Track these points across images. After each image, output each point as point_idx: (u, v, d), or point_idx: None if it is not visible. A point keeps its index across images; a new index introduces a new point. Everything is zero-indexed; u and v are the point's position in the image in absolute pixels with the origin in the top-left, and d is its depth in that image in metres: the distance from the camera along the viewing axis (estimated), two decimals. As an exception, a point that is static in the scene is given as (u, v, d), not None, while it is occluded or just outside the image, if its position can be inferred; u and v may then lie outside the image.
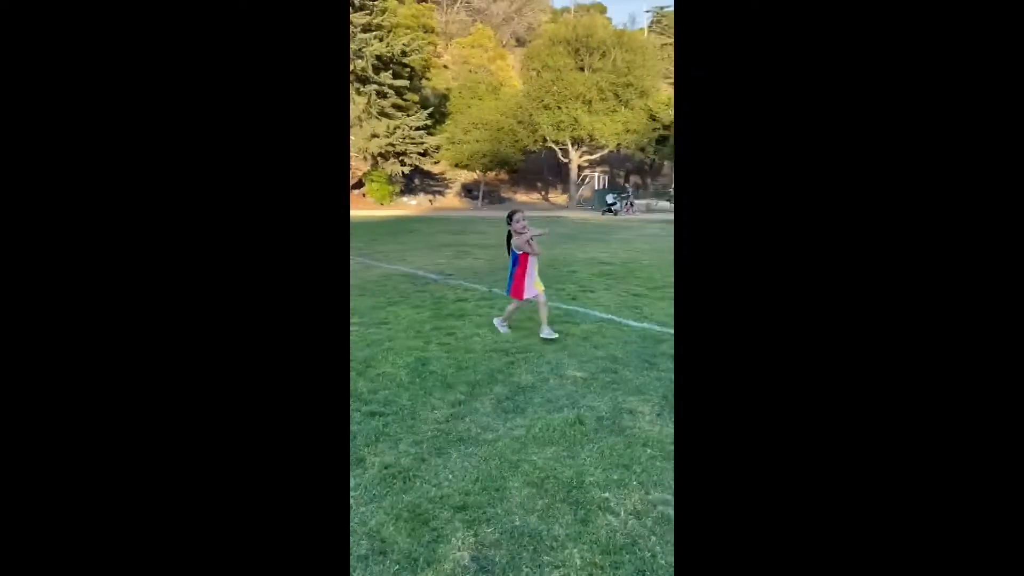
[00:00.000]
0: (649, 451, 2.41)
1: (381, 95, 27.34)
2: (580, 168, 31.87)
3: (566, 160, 30.94)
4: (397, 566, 1.68)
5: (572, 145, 29.66)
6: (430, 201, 30.64)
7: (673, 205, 27.46)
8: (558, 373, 3.42)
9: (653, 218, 21.45)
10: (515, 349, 3.92)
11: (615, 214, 23.64)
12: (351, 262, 8.60)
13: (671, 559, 1.72)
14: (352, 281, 6.85)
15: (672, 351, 3.78)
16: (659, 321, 4.69)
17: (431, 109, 29.18)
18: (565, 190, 33.11)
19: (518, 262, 4.16)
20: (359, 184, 29.49)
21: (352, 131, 27.62)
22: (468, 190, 32.80)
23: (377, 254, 9.55)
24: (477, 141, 28.87)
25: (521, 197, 34.84)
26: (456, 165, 30.79)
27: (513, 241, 4.17)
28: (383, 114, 27.69)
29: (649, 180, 36.50)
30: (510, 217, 4.20)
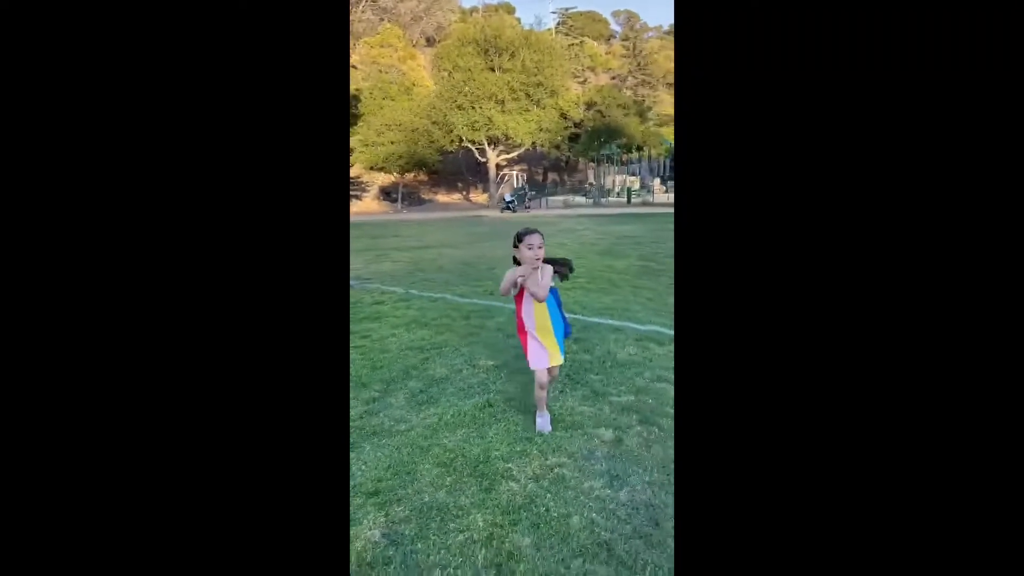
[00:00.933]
0: (554, 420, 2.64)
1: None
2: (498, 167, 32.33)
3: (484, 159, 31.26)
4: (309, 553, 1.77)
5: (488, 144, 30.02)
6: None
7: (588, 200, 28.68)
8: (471, 364, 3.59)
9: (569, 213, 22.28)
10: (430, 346, 4.04)
11: (513, 211, 24.68)
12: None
13: (563, 511, 1.95)
14: (263, 292, 6.61)
15: (581, 336, 4.08)
16: (570, 310, 5.00)
17: (341, 111, 28.21)
18: (486, 189, 33.42)
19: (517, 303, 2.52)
20: (268, 191, 27.93)
21: (256, 135, 26.08)
22: (387, 193, 32.18)
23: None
24: (392, 143, 28.40)
25: (442, 197, 34.74)
26: (372, 168, 30.09)
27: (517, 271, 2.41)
28: (289, 117, 26.39)
29: (566, 176, 37.74)
30: (519, 237, 2.43)
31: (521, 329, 2.54)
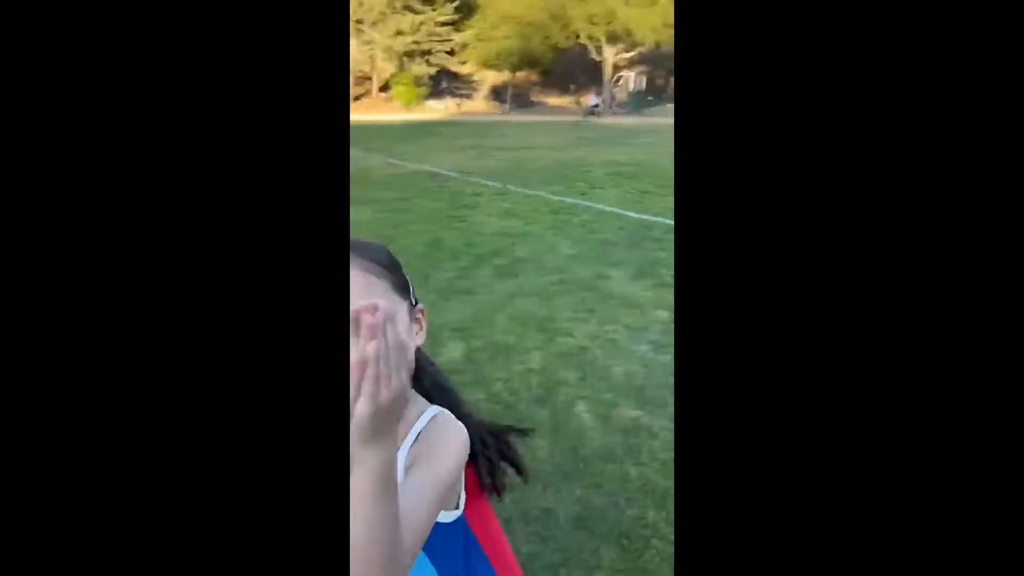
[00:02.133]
0: (613, 300, 2.97)
1: (405, -14, 25.83)
2: (616, 67, 30.06)
3: (600, 59, 29.18)
4: (408, 359, 2.36)
5: (607, 42, 27.80)
6: (457, 105, 29.88)
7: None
8: (552, 251, 3.95)
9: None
10: (518, 232, 4.44)
11: (598, 117, 23.02)
12: (376, 161, 9.05)
13: (609, 362, 2.33)
14: (375, 178, 7.35)
15: (660, 236, 4.23)
16: (657, 213, 5.07)
17: (457, 2, 27.49)
18: (599, 92, 31.54)
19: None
20: (385, 87, 28.84)
21: (376, 28, 26.52)
22: (496, 93, 31.64)
23: (402, 155, 9.91)
24: (506, 37, 27.38)
25: (552, 100, 33.48)
26: (485, 64, 29.53)
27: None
28: (407, 8, 26.32)
29: (689, 82, 34.14)
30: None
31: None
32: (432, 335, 2.43)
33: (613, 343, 2.51)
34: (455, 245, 4.07)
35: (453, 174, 7.68)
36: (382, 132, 14.86)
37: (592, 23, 26.57)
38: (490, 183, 6.88)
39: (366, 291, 0.52)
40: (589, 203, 5.64)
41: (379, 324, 0.38)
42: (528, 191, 6.34)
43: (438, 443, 0.51)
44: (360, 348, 0.38)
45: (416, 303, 0.59)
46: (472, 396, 2.02)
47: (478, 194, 6.20)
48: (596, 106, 23.72)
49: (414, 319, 0.58)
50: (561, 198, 5.86)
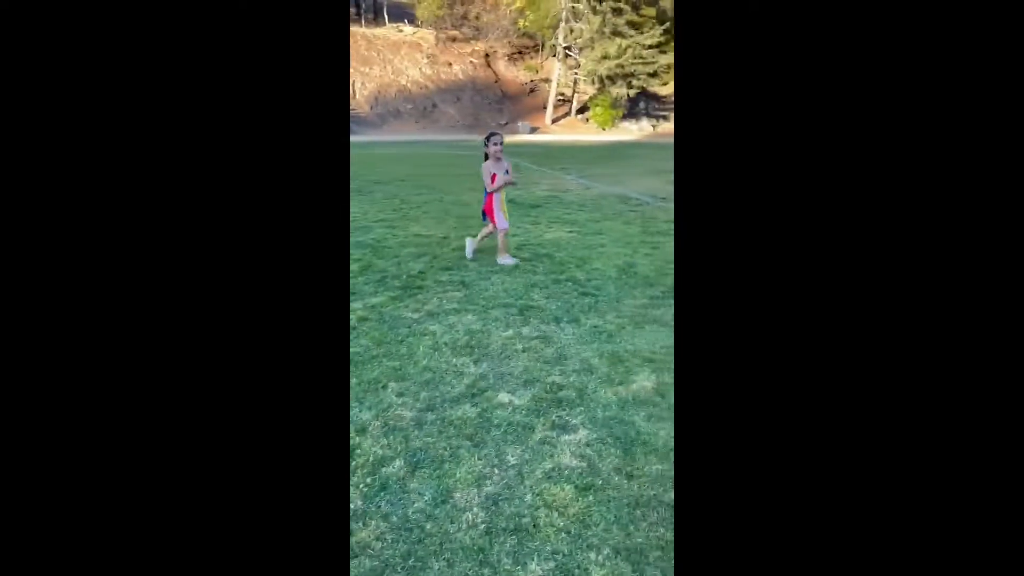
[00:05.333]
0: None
1: (617, 12, 26.47)
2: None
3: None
4: (600, 382, 2.43)
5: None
6: (653, 126, 29.43)
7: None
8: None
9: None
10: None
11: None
12: (569, 182, 9.45)
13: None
14: (570, 198, 7.69)
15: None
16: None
17: (667, 24, 27.16)
18: None
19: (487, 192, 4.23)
20: (584, 109, 29.88)
21: (583, 54, 27.69)
22: (696, 115, 30.21)
23: (594, 176, 10.18)
24: (715, 58, 26.04)
25: (758, 123, 30.69)
26: (686, 86, 28.54)
27: (483, 165, 4.20)
28: (616, 33, 26.93)
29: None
30: (487, 139, 4.17)
31: (489, 207, 4.24)
32: (623, 360, 2.45)
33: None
34: (647, 272, 4.05)
35: (647, 198, 7.63)
36: (575, 152, 15.44)
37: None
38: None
39: (501, 158, 4.18)
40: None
41: (511, 180, 4.19)
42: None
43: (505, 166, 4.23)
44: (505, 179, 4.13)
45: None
46: (661, 430, 2.01)
47: (671, 220, 6.04)
48: None
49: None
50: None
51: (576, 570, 1.41)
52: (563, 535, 1.52)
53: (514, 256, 4.36)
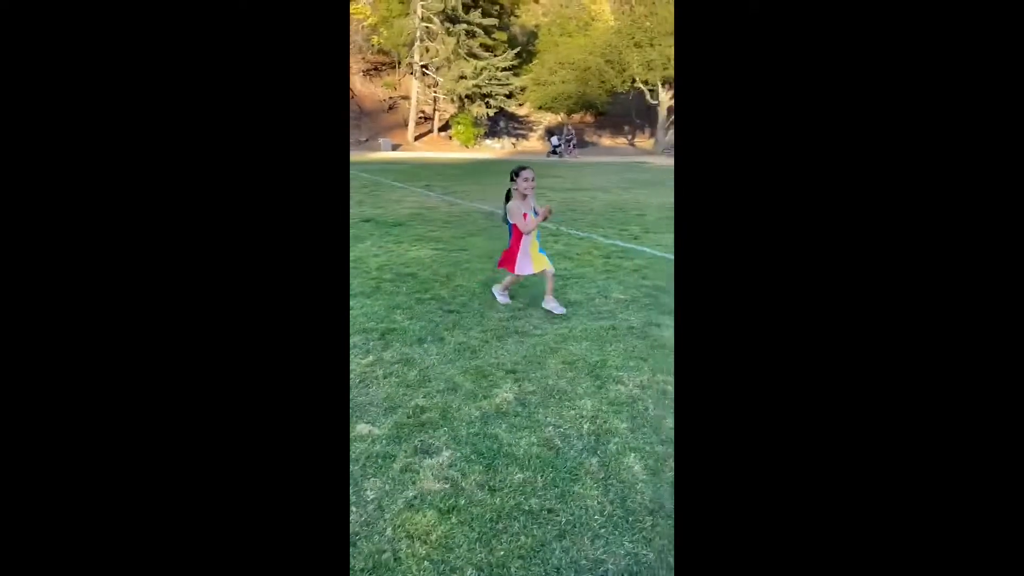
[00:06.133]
0: (666, 351, 2.97)
1: (470, 34, 27.39)
2: (670, 111, 30.24)
3: (655, 102, 29.51)
4: (464, 399, 2.44)
5: (663, 85, 28.15)
6: (513, 144, 30.86)
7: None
8: (604, 295, 4.00)
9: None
10: (570, 276, 4.52)
11: (560, 156, 23.96)
12: (433, 199, 9.47)
13: (662, 413, 2.33)
14: (435, 215, 7.70)
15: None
16: (711, 261, 5.02)
17: (519, 48, 28.82)
18: (652, 134, 31.76)
19: (512, 233, 3.45)
20: (446, 126, 30.29)
21: (440, 73, 28.12)
22: (551, 133, 32.49)
23: (459, 193, 10.34)
24: (563, 82, 28.29)
25: (606, 141, 33.95)
26: (540, 107, 30.52)
27: (508, 205, 3.40)
28: (471, 55, 27.82)
29: (747, 125, 33.76)
30: (515, 173, 3.38)
31: (512, 254, 3.51)
32: (486, 375, 2.52)
33: (664, 394, 2.51)
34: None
35: (508, 214, 7.93)
36: (440, 169, 15.56)
37: (649, 68, 27.05)
38: (544, 225, 7.04)
39: (530, 194, 3.42)
40: (643, 248, 5.66)
41: (549, 213, 3.37)
42: (580, 233, 6.45)
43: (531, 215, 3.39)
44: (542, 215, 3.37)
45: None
46: (522, 439, 2.08)
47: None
48: (558, 146, 24.86)
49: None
50: (613, 241, 5.92)
51: (439, 599, 1.38)
52: (425, 563, 1.48)
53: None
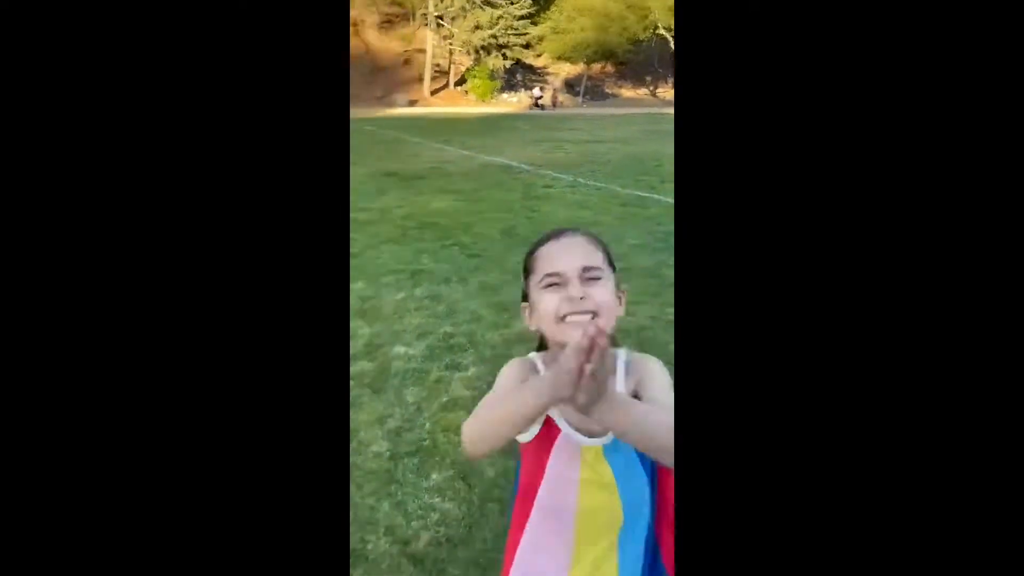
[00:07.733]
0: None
1: (485, -20, 26.38)
2: (694, 59, 28.88)
3: (679, 50, 28.25)
4: (487, 328, 2.70)
5: (687, 32, 26.85)
6: (531, 98, 30.15)
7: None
8: (619, 240, 4.18)
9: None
10: (588, 224, 4.70)
11: (542, 108, 23.19)
12: (453, 153, 9.57)
13: (667, 339, 2.56)
14: (453, 169, 7.84)
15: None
16: (726, 208, 5.12)
17: (536, -5, 27.68)
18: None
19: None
20: (462, 80, 29.65)
21: (455, 23, 27.32)
22: (570, 85, 31.54)
23: (477, 148, 10.39)
24: (582, 30, 27.21)
25: (627, 92, 32.86)
26: (559, 57, 29.56)
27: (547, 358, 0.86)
28: (487, 3, 26.87)
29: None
30: (530, 255, 0.85)
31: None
32: (507, 309, 2.80)
33: (670, 323, 2.74)
34: (527, 234, 4.40)
35: (526, 166, 8.02)
36: (457, 124, 15.52)
37: (672, 11, 25.79)
38: (561, 176, 7.14)
39: (590, 255, 0.76)
40: (660, 196, 5.77)
41: (601, 347, 0.53)
42: (598, 184, 6.55)
43: (652, 371, 0.77)
44: (586, 357, 0.54)
45: (619, 285, 0.79)
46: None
47: (549, 186, 6.49)
48: (540, 98, 23.87)
49: (618, 296, 0.79)
50: (630, 191, 6.02)
51: (471, 472, 1.68)
52: (458, 450, 1.78)
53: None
